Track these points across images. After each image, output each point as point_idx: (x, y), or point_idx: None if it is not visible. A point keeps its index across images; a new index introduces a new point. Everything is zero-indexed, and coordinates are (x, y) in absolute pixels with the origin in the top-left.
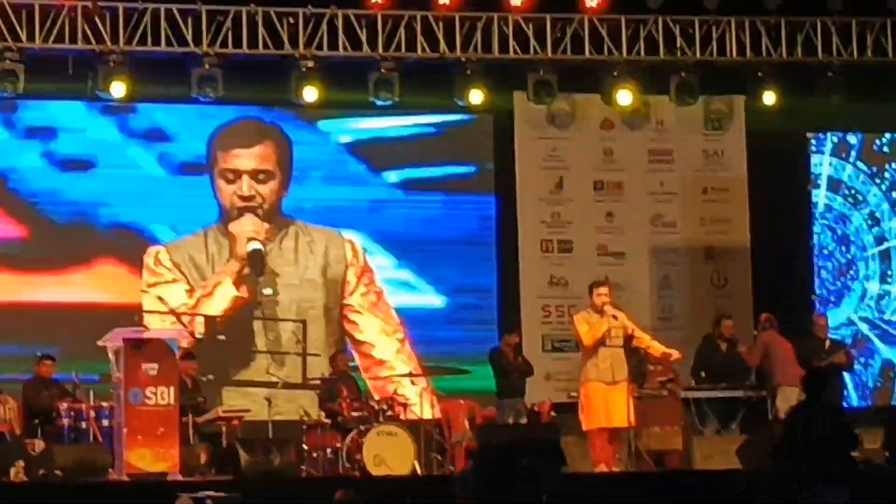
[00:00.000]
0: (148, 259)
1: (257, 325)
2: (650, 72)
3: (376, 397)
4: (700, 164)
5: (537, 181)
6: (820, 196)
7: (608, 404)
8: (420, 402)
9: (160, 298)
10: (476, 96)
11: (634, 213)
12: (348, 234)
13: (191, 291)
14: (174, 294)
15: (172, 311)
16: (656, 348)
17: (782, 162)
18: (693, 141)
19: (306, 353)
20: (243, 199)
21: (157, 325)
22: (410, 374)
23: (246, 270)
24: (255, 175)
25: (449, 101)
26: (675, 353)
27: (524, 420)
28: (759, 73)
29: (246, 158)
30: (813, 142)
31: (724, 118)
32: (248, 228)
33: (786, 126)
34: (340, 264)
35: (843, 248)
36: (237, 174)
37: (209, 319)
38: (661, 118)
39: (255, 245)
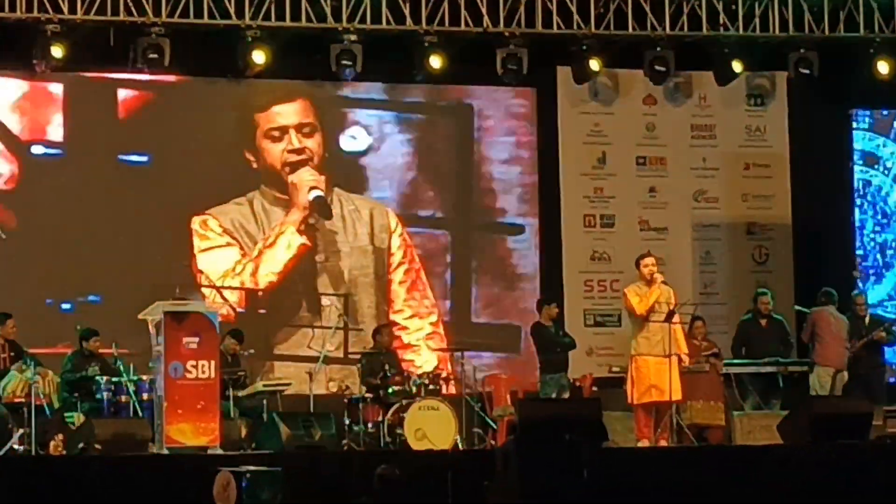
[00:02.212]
0: (195, 226)
1: (299, 299)
2: (693, 47)
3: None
4: (742, 139)
5: (580, 156)
6: (861, 172)
7: (659, 378)
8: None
9: (213, 263)
10: (519, 70)
11: (676, 188)
12: (388, 207)
13: (245, 254)
14: (228, 257)
15: (213, 285)
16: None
17: (824, 138)
18: (735, 116)
19: (348, 326)
20: (294, 152)
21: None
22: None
23: (311, 220)
24: (300, 128)
25: (492, 75)
26: (685, 359)
27: (567, 395)
28: (801, 49)
29: (288, 113)
30: (855, 118)
31: (767, 94)
32: (308, 177)
33: (828, 102)
34: (385, 234)
35: (885, 225)
36: (283, 130)
37: (250, 293)
38: (704, 93)
39: (318, 192)
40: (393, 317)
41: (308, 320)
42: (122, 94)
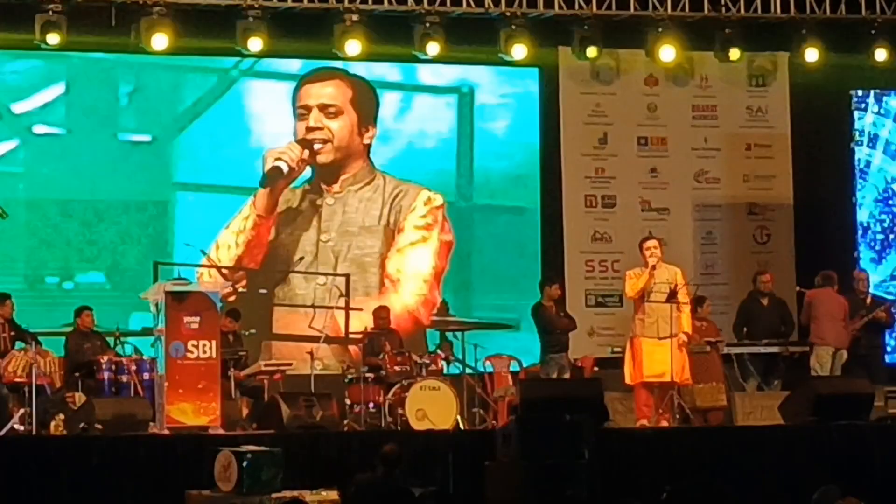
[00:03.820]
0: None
1: (299, 278)
2: (694, 28)
3: None
4: (744, 120)
5: (581, 136)
6: (862, 152)
7: (654, 359)
8: None
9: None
10: (520, 51)
11: (678, 168)
12: (430, 192)
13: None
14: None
15: (215, 265)
16: (686, 320)
17: (825, 118)
18: (737, 97)
19: (349, 306)
20: (310, 130)
21: (206, 278)
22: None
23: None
24: (323, 108)
25: (493, 56)
26: (687, 339)
27: (567, 375)
28: (803, 30)
29: (315, 93)
30: (856, 99)
31: (768, 75)
32: (278, 150)
33: (829, 83)
34: (401, 213)
35: (886, 205)
36: (307, 108)
37: (251, 273)
38: (705, 74)
39: (277, 163)
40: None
41: (309, 300)
42: (124, 72)
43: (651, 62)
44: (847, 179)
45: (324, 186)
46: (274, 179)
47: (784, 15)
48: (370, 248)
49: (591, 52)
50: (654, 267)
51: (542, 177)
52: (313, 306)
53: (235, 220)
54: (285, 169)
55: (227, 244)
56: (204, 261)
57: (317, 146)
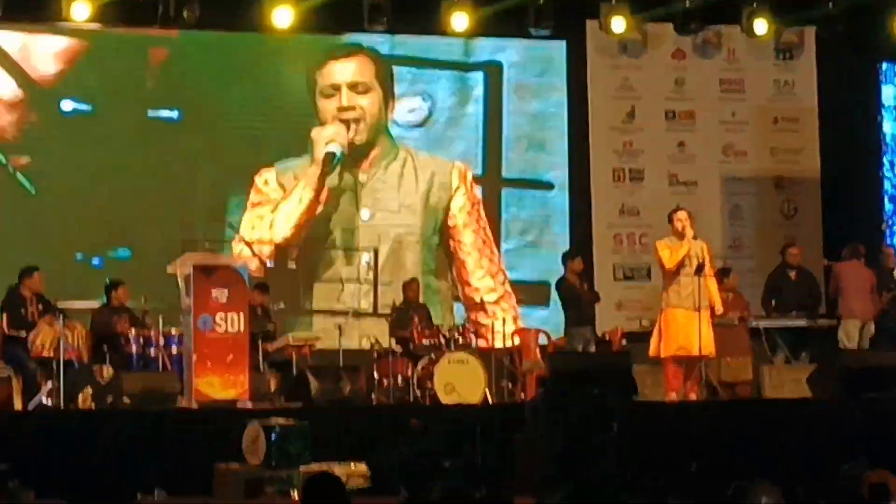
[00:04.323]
0: (258, 179)
1: (334, 253)
2: (722, 1)
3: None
4: (771, 93)
5: (609, 110)
6: (890, 126)
7: (688, 331)
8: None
9: (260, 217)
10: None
11: (705, 142)
12: (459, 163)
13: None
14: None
15: (243, 240)
16: (715, 293)
17: (852, 92)
18: (764, 70)
19: (377, 281)
20: (342, 110)
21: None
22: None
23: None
24: (353, 87)
25: (522, 31)
26: (718, 310)
27: (592, 348)
28: (830, 3)
29: (343, 70)
30: (883, 71)
31: (795, 48)
32: (327, 132)
33: (856, 56)
34: (444, 192)
35: None
36: (336, 87)
37: (280, 247)
38: (733, 47)
39: (332, 147)
40: (466, 279)
41: (342, 275)
42: (152, 49)
43: (678, 35)
44: (874, 152)
45: (355, 164)
46: (330, 163)
47: None
48: (412, 227)
49: (620, 26)
50: (695, 236)
51: (569, 151)
52: (342, 280)
53: (288, 202)
54: (338, 152)
55: (280, 224)
56: (236, 240)
57: (352, 126)
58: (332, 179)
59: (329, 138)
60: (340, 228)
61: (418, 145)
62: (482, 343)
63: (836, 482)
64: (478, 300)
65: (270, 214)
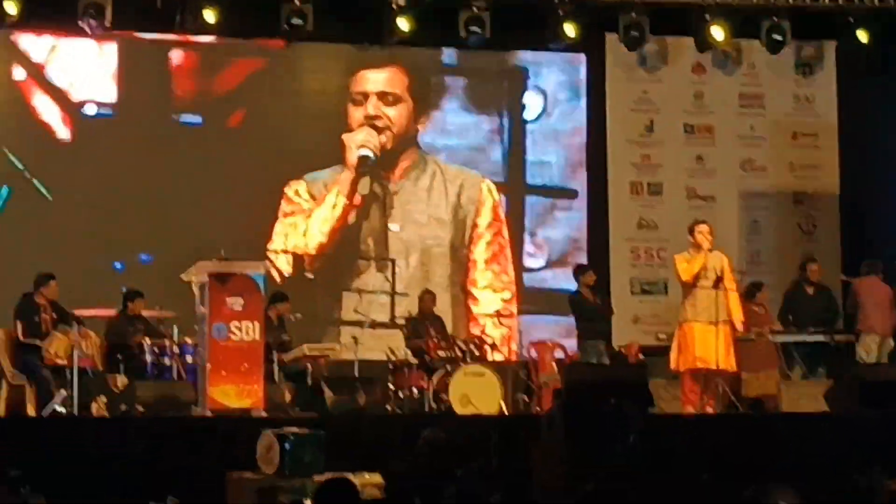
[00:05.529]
0: (289, 190)
1: (364, 263)
2: (742, 15)
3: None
4: (790, 108)
5: (628, 123)
6: None
7: (705, 345)
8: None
9: (293, 226)
10: (569, 32)
11: (724, 156)
12: (487, 179)
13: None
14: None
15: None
16: (735, 306)
17: (872, 107)
18: (784, 85)
19: (395, 291)
20: (369, 118)
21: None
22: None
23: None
24: (382, 96)
25: (541, 43)
26: (739, 326)
27: (606, 362)
28: (851, 19)
29: (374, 79)
30: None
31: (815, 63)
32: (359, 137)
33: (876, 72)
34: (472, 205)
35: None
36: (365, 95)
37: (298, 258)
38: (753, 62)
39: (365, 151)
40: (468, 287)
41: (367, 286)
42: (175, 55)
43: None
44: (894, 169)
45: (383, 174)
46: (363, 167)
47: (832, 3)
48: (440, 239)
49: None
50: (709, 250)
51: (588, 163)
52: (358, 290)
53: (322, 208)
54: (372, 156)
55: (314, 230)
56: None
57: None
58: (362, 188)
59: (361, 143)
60: (371, 239)
61: (445, 156)
62: (498, 357)
63: (854, 490)
64: (474, 312)
65: (304, 222)
